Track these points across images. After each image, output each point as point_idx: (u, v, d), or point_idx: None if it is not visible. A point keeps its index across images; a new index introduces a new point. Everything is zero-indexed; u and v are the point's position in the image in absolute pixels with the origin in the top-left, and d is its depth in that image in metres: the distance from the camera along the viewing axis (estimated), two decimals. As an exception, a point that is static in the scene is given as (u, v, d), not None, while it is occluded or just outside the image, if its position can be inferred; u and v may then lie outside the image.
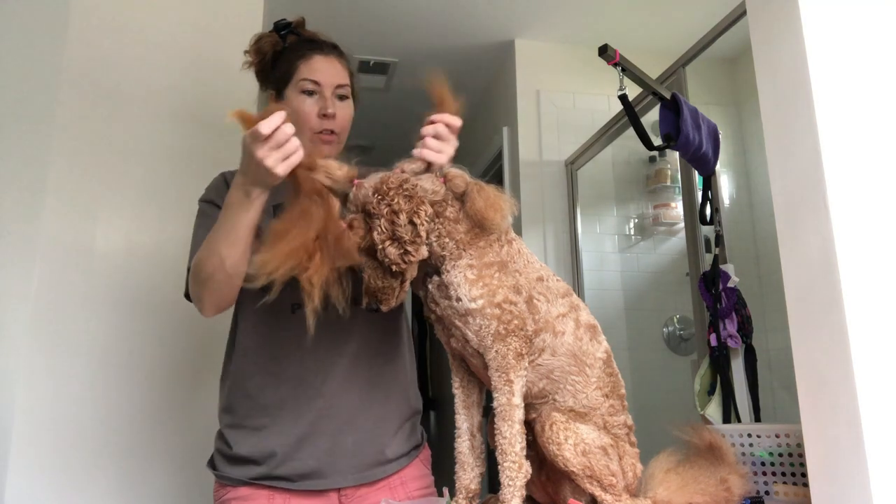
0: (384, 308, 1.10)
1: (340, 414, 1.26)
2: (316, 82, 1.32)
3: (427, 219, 1.04)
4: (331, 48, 1.37)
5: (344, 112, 1.35)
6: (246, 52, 1.40)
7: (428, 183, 1.09)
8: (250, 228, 1.12)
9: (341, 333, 1.28)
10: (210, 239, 1.15)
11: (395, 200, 1.02)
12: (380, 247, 1.02)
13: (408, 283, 1.10)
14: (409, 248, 1.02)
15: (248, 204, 1.09)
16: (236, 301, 1.29)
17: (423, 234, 1.03)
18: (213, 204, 1.34)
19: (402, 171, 1.10)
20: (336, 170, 1.10)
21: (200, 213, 1.35)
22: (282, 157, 1.03)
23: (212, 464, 1.31)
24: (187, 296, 1.30)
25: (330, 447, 1.25)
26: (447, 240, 1.08)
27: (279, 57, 1.37)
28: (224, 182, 1.38)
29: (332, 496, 1.26)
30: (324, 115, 1.32)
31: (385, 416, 1.30)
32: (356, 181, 1.09)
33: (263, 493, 1.24)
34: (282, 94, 1.36)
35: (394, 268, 1.04)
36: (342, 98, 1.36)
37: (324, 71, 1.33)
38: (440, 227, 1.08)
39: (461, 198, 1.10)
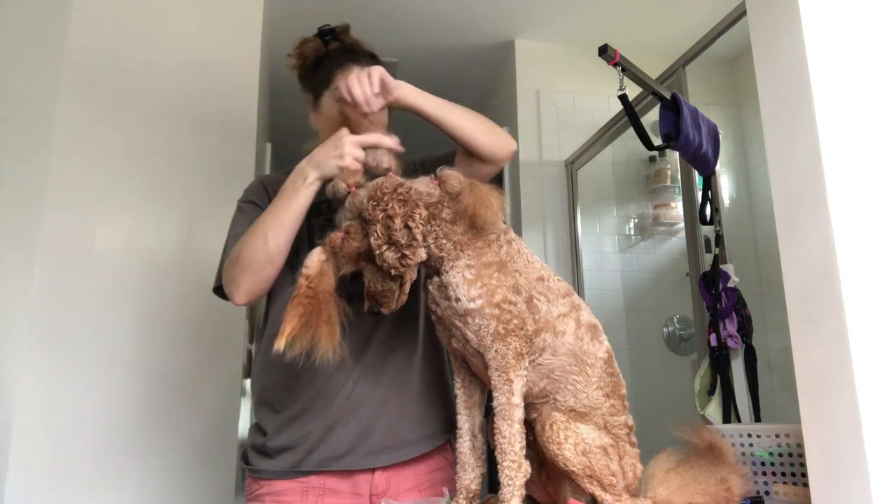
0: (385, 311, 1.11)
1: (372, 398, 1.28)
2: None
3: (422, 222, 1.05)
4: (367, 58, 1.40)
5: (376, 120, 1.37)
6: (289, 55, 1.43)
7: (422, 186, 1.10)
8: (298, 215, 1.18)
9: (371, 322, 1.30)
10: (258, 222, 1.21)
11: (390, 205, 1.03)
12: (377, 252, 1.03)
13: (408, 286, 1.10)
14: (406, 252, 1.03)
15: (301, 190, 1.17)
16: (271, 299, 1.33)
17: (419, 236, 1.04)
18: (251, 203, 1.38)
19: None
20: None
21: (238, 210, 1.39)
22: (357, 156, 1.14)
23: (245, 458, 1.33)
24: (217, 290, 1.33)
25: (362, 430, 1.27)
26: (444, 241, 1.09)
27: (320, 63, 1.41)
28: (261, 185, 1.41)
29: (362, 485, 1.27)
30: None
31: (412, 399, 1.32)
32: (352, 189, 1.10)
33: (297, 486, 1.26)
34: (319, 99, 1.39)
35: (392, 271, 1.05)
36: None
37: None
38: (437, 228, 1.09)
39: (456, 198, 1.11)
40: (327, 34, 1.41)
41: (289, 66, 1.44)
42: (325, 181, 1.17)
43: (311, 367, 1.27)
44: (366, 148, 1.17)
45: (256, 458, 1.30)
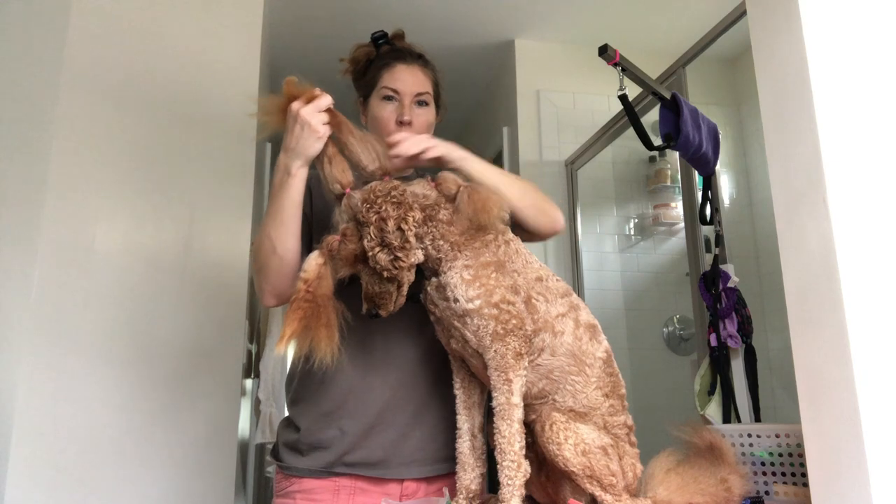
0: (383, 313, 1.11)
1: (409, 406, 1.28)
2: (395, 90, 1.37)
3: (415, 224, 1.05)
4: (414, 57, 1.42)
5: (422, 119, 1.38)
6: (342, 59, 1.46)
7: (418, 188, 1.10)
8: (295, 207, 1.18)
9: (413, 329, 1.29)
10: (262, 227, 1.22)
11: (384, 207, 1.03)
12: (370, 254, 1.03)
13: (405, 288, 1.10)
14: (399, 254, 1.03)
15: (290, 181, 1.15)
16: None
17: (412, 239, 1.04)
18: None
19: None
20: (333, 166, 1.12)
21: None
22: (323, 120, 1.12)
23: (275, 454, 1.33)
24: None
25: (397, 438, 1.27)
26: (441, 242, 1.09)
27: (370, 66, 1.43)
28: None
29: (393, 489, 1.27)
30: (400, 122, 1.36)
31: (449, 415, 1.29)
32: (347, 191, 1.10)
33: (329, 485, 1.25)
34: (367, 100, 1.41)
35: (385, 274, 1.05)
36: (421, 105, 1.39)
37: (403, 79, 1.37)
38: (433, 230, 1.09)
39: (453, 200, 1.11)
40: (379, 39, 1.44)
41: (342, 71, 1.46)
42: (312, 164, 1.16)
43: (341, 367, 1.24)
44: None
45: (288, 455, 1.29)
